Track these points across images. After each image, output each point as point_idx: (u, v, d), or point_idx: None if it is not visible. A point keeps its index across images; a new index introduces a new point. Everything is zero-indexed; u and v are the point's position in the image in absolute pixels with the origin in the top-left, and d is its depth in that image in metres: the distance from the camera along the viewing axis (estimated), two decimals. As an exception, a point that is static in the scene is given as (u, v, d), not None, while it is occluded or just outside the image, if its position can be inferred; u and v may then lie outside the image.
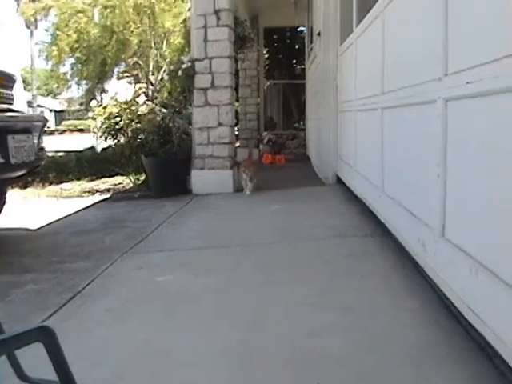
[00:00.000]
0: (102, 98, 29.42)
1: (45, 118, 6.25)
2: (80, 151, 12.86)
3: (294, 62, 21.58)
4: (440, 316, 2.82)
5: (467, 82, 2.47)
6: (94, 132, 12.58)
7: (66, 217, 6.96)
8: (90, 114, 19.01)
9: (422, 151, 3.30)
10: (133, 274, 3.93)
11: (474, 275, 2.36)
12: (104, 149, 12.44)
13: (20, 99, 5.58)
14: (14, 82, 5.48)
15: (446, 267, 2.80)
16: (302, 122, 17.89)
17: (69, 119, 55.25)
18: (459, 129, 2.68)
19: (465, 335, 2.54)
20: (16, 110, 5.39)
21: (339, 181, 7.77)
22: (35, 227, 6.29)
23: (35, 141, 5.44)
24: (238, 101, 15.25)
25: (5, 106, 5.18)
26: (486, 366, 2.25)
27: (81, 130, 40.45)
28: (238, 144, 14.80)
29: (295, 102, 19.86)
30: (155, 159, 8.31)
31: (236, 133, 14.68)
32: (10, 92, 5.34)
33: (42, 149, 5.77)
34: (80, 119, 47.83)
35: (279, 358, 2.45)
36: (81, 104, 35.64)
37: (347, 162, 6.89)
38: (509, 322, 2.03)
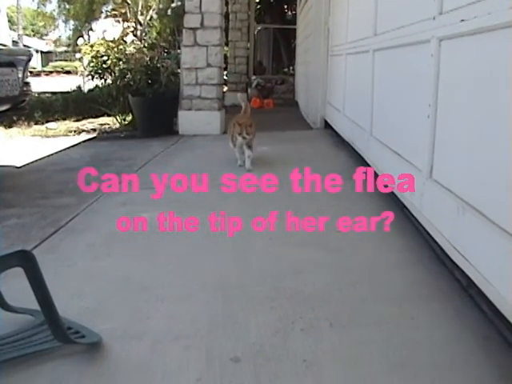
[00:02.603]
0: (89, 37, 29.01)
1: (30, 52, 6.14)
2: (66, 92, 12.68)
3: (286, 6, 21.26)
4: (424, 257, 2.83)
5: (462, 20, 2.42)
6: (82, 71, 12.42)
7: (50, 155, 6.90)
8: (78, 56, 18.73)
9: (414, 92, 3.26)
10: (117, 209, 3.89)
11: (461, 215, 2.34)
12: (91, 89, 12.30)
13: (3, 31, 5.46)
14: (-4, 13, 5.35)
15: (432, 208, 2.79)
16: (291, 67, 17.77)
17: (56, 60, 54.55)
18: (452, 69, 2.65)
19: (449, 276, 2.55)
20: (-1, 42, 5.27)
21: (327, 125, 7.74)
22: (19, 165, 6.22)
23: (20, 75, 5.34)
24: (227, 44, 15.07)
25: (-13, 38, 5.06)
26: (469, 305, 2.27)
27: (68, 72, 39.87)
28: (226, 88, 14.70)
29: (285, 47, 19.68)
30: (142, 99, 8.24)
31: (225, 77, 14.57)
32: (-8, 24, 5.22)
33: (27, 84, 5.68)
34: (67, 60, 47.23)
35: (261, 295, 2.44)
36: (68, 45, 35.14)
37: (336, 107, 6.84)
38: (494, 260, 2.02)
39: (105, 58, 9.76)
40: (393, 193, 3.62)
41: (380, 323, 2.16)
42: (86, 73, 10.49)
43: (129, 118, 9.54)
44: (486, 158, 2.18)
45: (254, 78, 15.04)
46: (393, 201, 3.66)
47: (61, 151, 7.18)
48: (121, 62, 9.38)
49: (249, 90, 14.48)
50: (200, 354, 1.95)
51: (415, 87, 3.21)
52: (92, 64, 9.99)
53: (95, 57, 9.89)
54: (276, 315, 2.23)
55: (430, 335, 2.07)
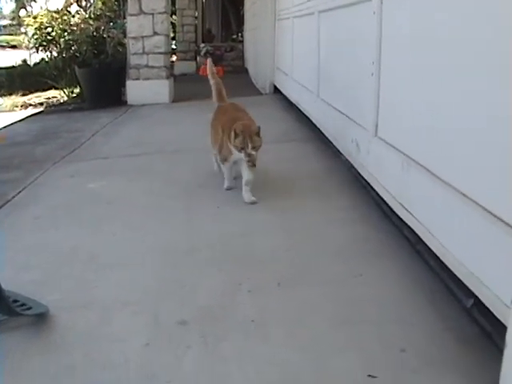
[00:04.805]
0: (32, 8, 28.27)
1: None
2: (12, 67, 12.40)
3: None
4: (372, 215, 2.85)
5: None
6: (27, 44, 12.14)
7: (-4, 130, 6.76)
8: (23, 29, 18.28)
9: (358, 51, 3.27)
10: (64, 181, 3.85)
11: (405, 171, 2.36)
12: (37, 63, 12.05)
13: None
14: None
15: (378, 165, 2.80)
16: (240, 34, 17.65)
17: (0, 35, 53.24)
18: (393, 25, 2.66)
19: (396, 233, 2.57)
20: None
21: (276, 90, 7.73)
22: (-38, 141, 6.07)
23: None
24: (175, 13, 14.88)
25: None
26: (416, 261, 2.29)
27: (14, 47, 38.89)
28: (175, 57, 14.56)
29: (234, 14, 19.51)
30: (89, 70, 8.12)
31: (173, 46, 14.39)
32: None
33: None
34: (12, 35, 46.12)
35: (208, 258, 2.45)
36: (12, 19, 34.23)
37: (284, 71, 6.82)
38: (438, 213, 2.04)
39: (49, 29, 9.52)
40: (340, 153, 3.63)
41: (328, 281, 2.17)
42: (31, 45, 10.23)
43: (76, 90, 9.37)
44: (428, 113, 2.20)
45: (202, 45, 14.92)
46: (340, 160, 3.67)
47: (6, 126, 7.03)
48: (66, 34, 9.19)
49: (198, 58, 14.40)
50: (148, 320, 1.94)
51: (359, 46, 3.22)
52: (36, 36, 9.75)
53: (39, 28, 9.65)
54: (224, 278, 2.23)
55: (377, 291, 2.09)
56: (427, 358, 1.64)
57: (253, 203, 3.12)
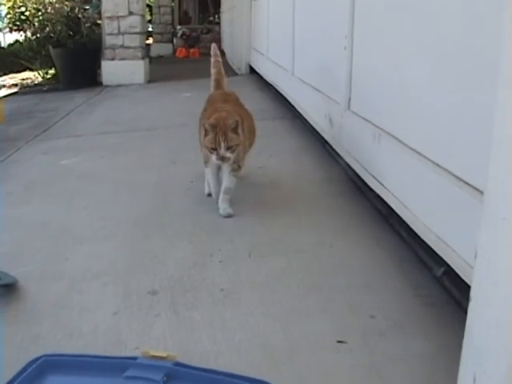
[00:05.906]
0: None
1: None
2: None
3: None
4: (345, 189, 2.87)
5: None
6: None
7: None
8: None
9: (331, 27, 3.26)
10: (37, 158, 3.82)
11: (377, 142, 2.36)
12: (11, 44, 11.91)
13: None
14: None
15: (351, 139, 2.81)
16: (217, 16, 17.54)
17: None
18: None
19: (369, 206, 2.58)
20: None
21: (252, 71, 7.71)
22: None
23: None
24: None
25: None
26: (388, 232, 2.30)
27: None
28: (151, 39, 14.48)
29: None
30: (64, 50, 8.02)
31: (150, 29, 14.30)
32: None
33: None
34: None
35: (179, 231, 2.45)
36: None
37: (260, 51, 6.80)
38: (409, 183, 2.04)
39: (22, 9, 9.41)
40: (315, 129, 3.63)
41: (299, 252, 2.18)
42: (4, 25, 10.11)
43: (51, 71, 9.27)
44: (399, 84, 2.20)
45: (179, 27, 14.86)
46: (315, 137, 3.67)
47: (-20, 107, 6.95)
48: (40, 13, 9.07)
49: (174, 40, 14.35)
50: (118, 290, 1.93)
51: (333, 21, 3.21)
52: (9, 16, 9.64)
53: (12, 8, 9.54)
54: (195, 249, 2.24)
55: (348, 261, 2.10)
56: (396, 323, 1.65)
57: (228, 216, 2.54)
